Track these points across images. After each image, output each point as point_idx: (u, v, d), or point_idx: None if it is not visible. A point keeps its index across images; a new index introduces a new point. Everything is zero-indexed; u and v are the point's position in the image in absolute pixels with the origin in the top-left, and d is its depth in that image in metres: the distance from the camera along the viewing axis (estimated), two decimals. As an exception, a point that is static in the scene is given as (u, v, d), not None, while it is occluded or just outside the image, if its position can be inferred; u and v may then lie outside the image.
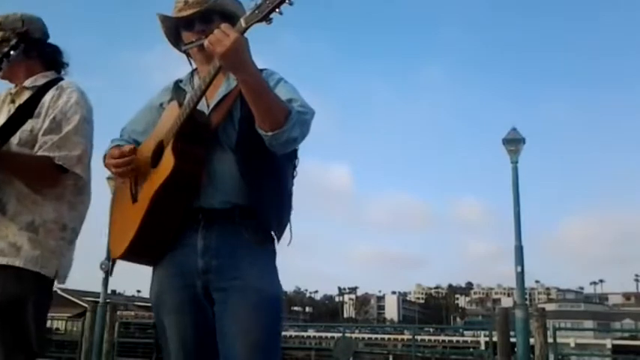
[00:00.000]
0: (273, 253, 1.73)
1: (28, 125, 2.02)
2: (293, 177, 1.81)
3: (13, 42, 2.01)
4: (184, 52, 1.87)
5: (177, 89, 1.87)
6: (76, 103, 2.05)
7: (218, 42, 1.50)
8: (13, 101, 2.14)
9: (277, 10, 1.45)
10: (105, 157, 1.88)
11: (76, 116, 2.03)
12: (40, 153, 1.98)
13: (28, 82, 2.13)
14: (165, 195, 1.64)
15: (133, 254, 1.76)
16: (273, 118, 1.57)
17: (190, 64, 1.91)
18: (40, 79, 2.14)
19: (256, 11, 1.48)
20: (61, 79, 2.17)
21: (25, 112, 2.05)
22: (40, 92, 2.09)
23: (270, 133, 1.57)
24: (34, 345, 1.92)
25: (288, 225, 1.76)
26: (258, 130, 1.59)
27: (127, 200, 1.79)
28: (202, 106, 1.74)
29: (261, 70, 1.77)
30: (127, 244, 1.72)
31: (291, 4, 1.44)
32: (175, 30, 1.86)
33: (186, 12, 1.78)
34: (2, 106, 2.15)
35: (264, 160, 1.65)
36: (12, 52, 2.00)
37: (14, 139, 2.01)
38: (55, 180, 1.99)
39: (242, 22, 1.52)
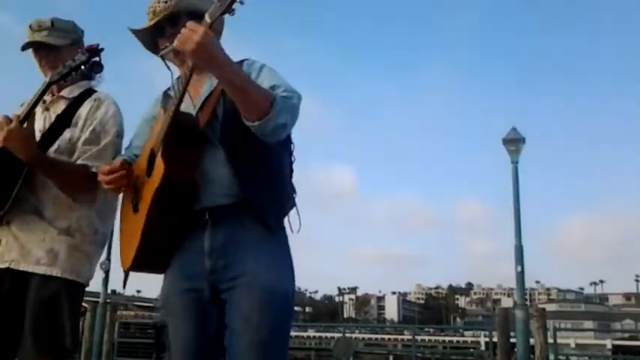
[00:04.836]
0: (283, 244, 1.71)
1: (67, 134, 2.12)
2: (291, 163, 1.80)
3: (84, 57, 1.99)
4: (161, 58, 1.87)
5: (166, 97, 1.87)
6: (113, 117, 2.17)
7: (186, 40, 1.51)
8: (47, 109, 2.21)
9: (238, 0, 1.46)
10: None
11: (113, 129, 2.15)
12: (79, 162, 2.08)
13: (65, 92, 2.21)
14: (160, 202, 1.63)
15: (140, 265, 1.76)
16: (256, 107, 1.56)
17: (169, 69, 1.91)
18: (75, 90, 2.22)
19: (218, 4, 1.49)
20: (94, 90, 2.26)
21: (63, 122, 2.15)
22: (76, 102, 2.19)
23: (256, 123, 1.56)
24: (67, 343, 2.01)
25: (295, 211, 1.73)
26: (245, 122, 1.58)
27: (130, 210, 1.79)
28: (189, 106, 1.75)
29: (243, 61, 1.78)
30: (133, 256, 1.72)
31: None
32: (152, 39, 1.87)
33: (154, 21, 1.80)
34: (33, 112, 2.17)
35: (254, 151, 1.64)
36: (83, 67, 2.00)
37: (52, 147, 2.10)
38: (90, 188, 2.08)
39: (207, 17, 1.53)
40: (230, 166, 1.64)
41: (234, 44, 1.86)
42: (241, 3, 1.47)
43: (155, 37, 1.85)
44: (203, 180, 1.66)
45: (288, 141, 1.77)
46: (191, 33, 1.50)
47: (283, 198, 1.73)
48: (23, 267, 2.03)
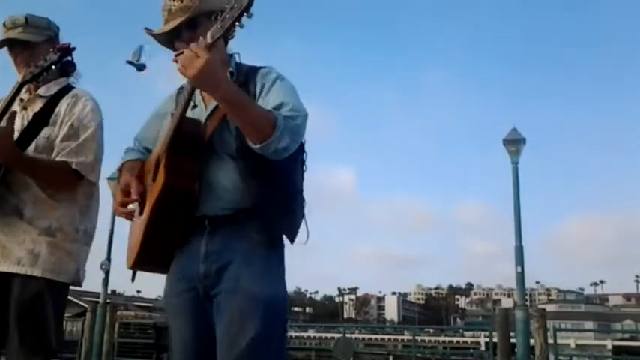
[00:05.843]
0: (278, 256, 1.69)
1: (45, 133, 2.10)
2: (303, 172, 1.76)
3: (56, 57, 1.98)
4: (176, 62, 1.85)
5: (180, 95, 1.83)
6: (92, 111, 2.14)
7: (189, 64, 1.48)
8: (25, 108, 2.18)
9: (238, 23, 1.45)
10: (120, 170, 1.86)
11: (93, 124, 2.12)
12: (58, 159, 2.04)
13: (42, 91, 2.18)
14: (159, 210, 1.64)
15: (142, 264, 1.78)
16: (257, 130, 1.54)
17: None
18: (53, 87, 2.19)
19: (219, 26, 1.48)
20: (72, 86, 2.23)
21: (41, 121, 2.12)
22: (54, 100, 2.16)
23: (257, 146, 1.54)
24: (53, 344, 2.01)
25: (304, 222, 1.72)
26: (248, 143, 1.57)
27: (138, 211, 1.80)
28: (202, 111, 1.74)
29: (259, 68, 1.75)
30: (135, 255, 1.74)
31: (249, 17, 1.44)
32: (168, 38, 1.81)
33: (171, 24, 1.74)
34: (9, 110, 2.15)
35: (265, 162, 1.60)
36: (53, 67, 1.99)
37: (31, 146, 2.07)
38: (72, 185, 2.07)
39: (208, 37, 1.50)
40: (240, 176, 1.63)
41: (236, 44, 1.85)
42: (241, 27, 1.46)
43: (171, 37, 1.78)
44: (205, 190, 1.65)
45: (300, 152, 1.73)
46: (194, 57, 1.47)
47: (293, 209, 1.71)
48: (4, 268, 2.01)
